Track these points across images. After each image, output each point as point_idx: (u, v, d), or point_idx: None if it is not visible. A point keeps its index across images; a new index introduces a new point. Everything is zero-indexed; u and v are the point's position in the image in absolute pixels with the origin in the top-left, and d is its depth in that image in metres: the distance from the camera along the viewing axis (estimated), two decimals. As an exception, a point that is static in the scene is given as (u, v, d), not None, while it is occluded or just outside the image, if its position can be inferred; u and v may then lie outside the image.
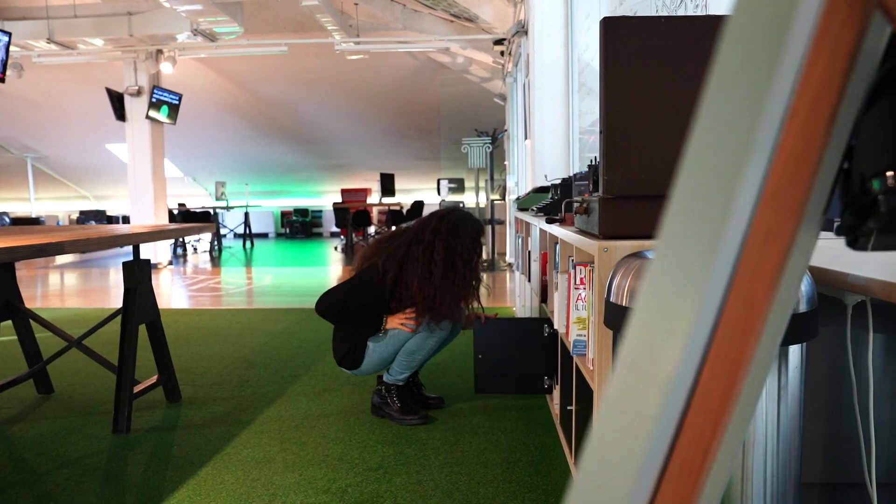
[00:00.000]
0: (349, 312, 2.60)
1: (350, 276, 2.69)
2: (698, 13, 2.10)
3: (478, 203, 12.32)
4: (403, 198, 13.70)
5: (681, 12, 2.29)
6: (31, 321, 3.03)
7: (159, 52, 8.76)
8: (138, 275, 2.72)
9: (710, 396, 0.37)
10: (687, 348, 0.34)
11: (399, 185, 13.45)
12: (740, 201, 0.33)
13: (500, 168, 10.24)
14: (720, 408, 0.38)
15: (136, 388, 2.75)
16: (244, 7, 7.55)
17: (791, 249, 0.37)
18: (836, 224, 0.46)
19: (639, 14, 2.98)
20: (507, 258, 8.44)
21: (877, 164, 0.40)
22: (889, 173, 0.37)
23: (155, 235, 2.66)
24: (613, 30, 1.53)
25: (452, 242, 2.60)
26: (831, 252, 1.35)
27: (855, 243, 0.45)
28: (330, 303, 2.61)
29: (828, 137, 0.35)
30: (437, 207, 2.99)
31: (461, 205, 16.77)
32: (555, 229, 2.24)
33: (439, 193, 12.08)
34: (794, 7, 0.30)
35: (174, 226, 3.09)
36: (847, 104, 0.37)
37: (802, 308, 1.14)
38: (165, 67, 8.82)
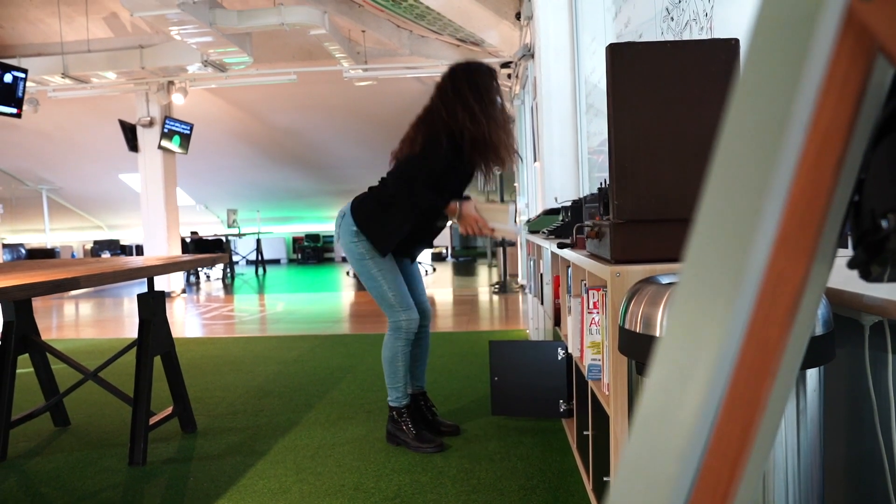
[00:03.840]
0: (418, 187, 2.56)
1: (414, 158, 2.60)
2: (703, 36, 2.11)
3: (488, 224, 12.33)
4: (414, 221, 13.71)
5: (685, 34, 2.31)
6: (47, 354, 3.05)
7: (170, 83, 8.90)
8: (153, 307, 2.74)
9: (727, 440, 0.37)
10: (705, 394, 0.34)
11: (409, 208, 13.46)
12: (755, 247, 0.33)
13: (509, 189, 10.27)
14: (737, 450, 0.38)
15: (152, 420, 2.76)
16: (253, 37, 7.66)
17: (803, 292, 0.37)
18: (849, 243, 0.46)
19: (644, 36, 3.00)
20: (520, 280, 8.42)
21: (887, 201, 0.40)
22: (900, 212, 0.37)
23: (169, 268, 2.68)
24: (619, 56, 1.54)
25: (474, 78, 2.63)
26: (846, 272, 1.34)
27: (868, 276, 0.45)
28: (416, 195, 2.55)
29: (836, 182, 0.35)
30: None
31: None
32: (566, 253, 2.24)
33: (449, 216, 12.07)
34: (803, 59, 0.31)
35: (187, 257, 3.11)
36: (854, 146, 0.37)
37: (818, 331, 1.13)
38: (177, 98, 8.96)
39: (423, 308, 2.85)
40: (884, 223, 0.40)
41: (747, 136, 0.33)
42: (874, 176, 0.41)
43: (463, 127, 2.56)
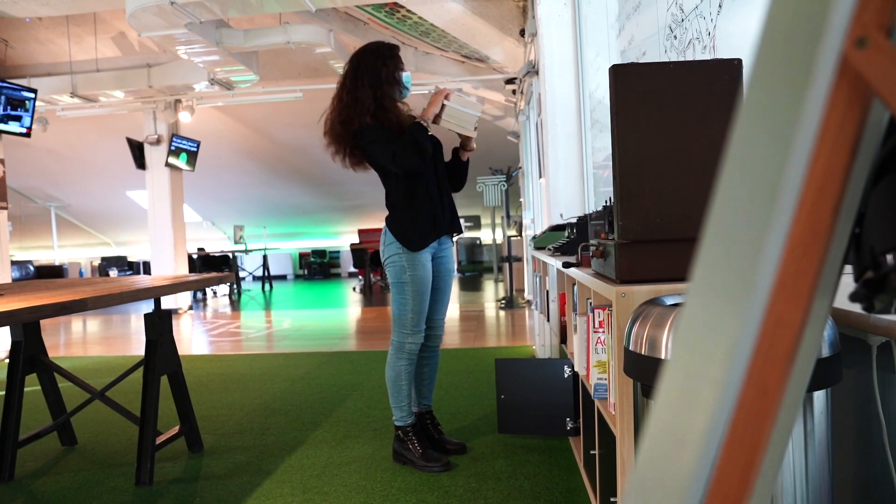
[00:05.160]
0: (402, 150, 2.61)
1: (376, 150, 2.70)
2: (706, 55, 2.12)
3: (494, 239, 12.34)
4: (420, 236, 13.70)
5: (689, 53, 2.32)
6: (55, 373, 3.06)
7: (178, 101, 8.97)
8: (159, 326, 2.75)
9: (727, 482, 0.37)
10: (705, 436, 0.34)
11: (415, 223, 13.47)
12: (754, 292, 0.33)
13: (515, 204, 10.27)
14: (738, 492, 0.38)
15: (159, 440, 2.76)
16: (259, 56, 7.73)
17: (803, 332, 0.37)
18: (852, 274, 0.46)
19: (647, 53, 3.01)
20: (526, 295, 8.41)
21: (887, 240, 0.40)
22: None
23: (175, 288, 2.69)
24: (623, 77, 1.55)
25: (365, 59, 2.71)
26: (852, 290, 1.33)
27: (871, 309, 0.45)
28: (399, 162, 2.62)
29: (835, 224, 0.35)
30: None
31: (478, 241, 16.80)
32: (572, 272, 2.24)
33: (455, 231, 12.07)
34: (799, 107, 0.31)
35: (194, 277, 3.12)
36: (853, 186, 0.37)
37: (825, 352, 1.13)
38: (184, 116, 9.03)
39: (436, 326, 2.85)
40: (888, 259, 0.40)
41: (745, 185, 0.33)
42: (874, 214, 0.41)
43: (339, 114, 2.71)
